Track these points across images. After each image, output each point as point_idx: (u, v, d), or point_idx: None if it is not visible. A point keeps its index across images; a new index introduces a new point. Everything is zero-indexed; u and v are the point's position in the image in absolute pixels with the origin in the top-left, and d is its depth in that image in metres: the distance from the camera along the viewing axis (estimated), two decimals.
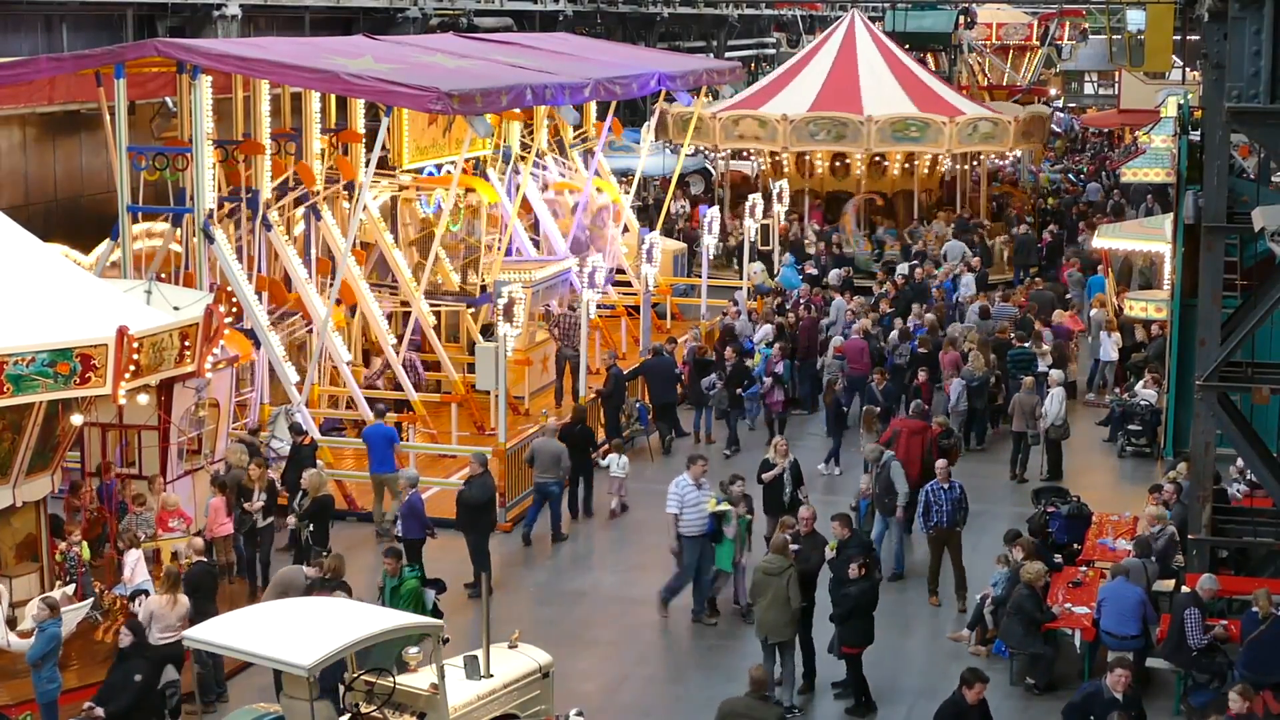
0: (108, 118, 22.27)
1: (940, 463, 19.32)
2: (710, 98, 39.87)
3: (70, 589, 16.54)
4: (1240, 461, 19.58)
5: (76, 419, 16.82)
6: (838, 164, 38.96)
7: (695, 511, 18.05)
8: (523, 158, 30.76)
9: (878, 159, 38.67)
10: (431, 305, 26.11)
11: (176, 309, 17.21)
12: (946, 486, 18.72)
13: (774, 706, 13.58)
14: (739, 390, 24.98)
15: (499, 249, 27.92)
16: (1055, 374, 24.51)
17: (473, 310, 26.93)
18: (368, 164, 24.07)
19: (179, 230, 22.83)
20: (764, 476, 19.45)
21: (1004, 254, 37.28)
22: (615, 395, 24.42)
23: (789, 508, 19.05)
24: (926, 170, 39.47)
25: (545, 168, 32.71)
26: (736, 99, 40.45)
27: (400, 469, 20.71)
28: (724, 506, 18.07)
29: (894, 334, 27.12)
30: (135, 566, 16.73)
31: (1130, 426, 24.85)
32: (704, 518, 18.07)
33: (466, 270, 28.15)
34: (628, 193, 34.39)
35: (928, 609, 18.62)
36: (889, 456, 19.68)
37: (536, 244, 31.22)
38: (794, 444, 25.63)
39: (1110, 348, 28.01)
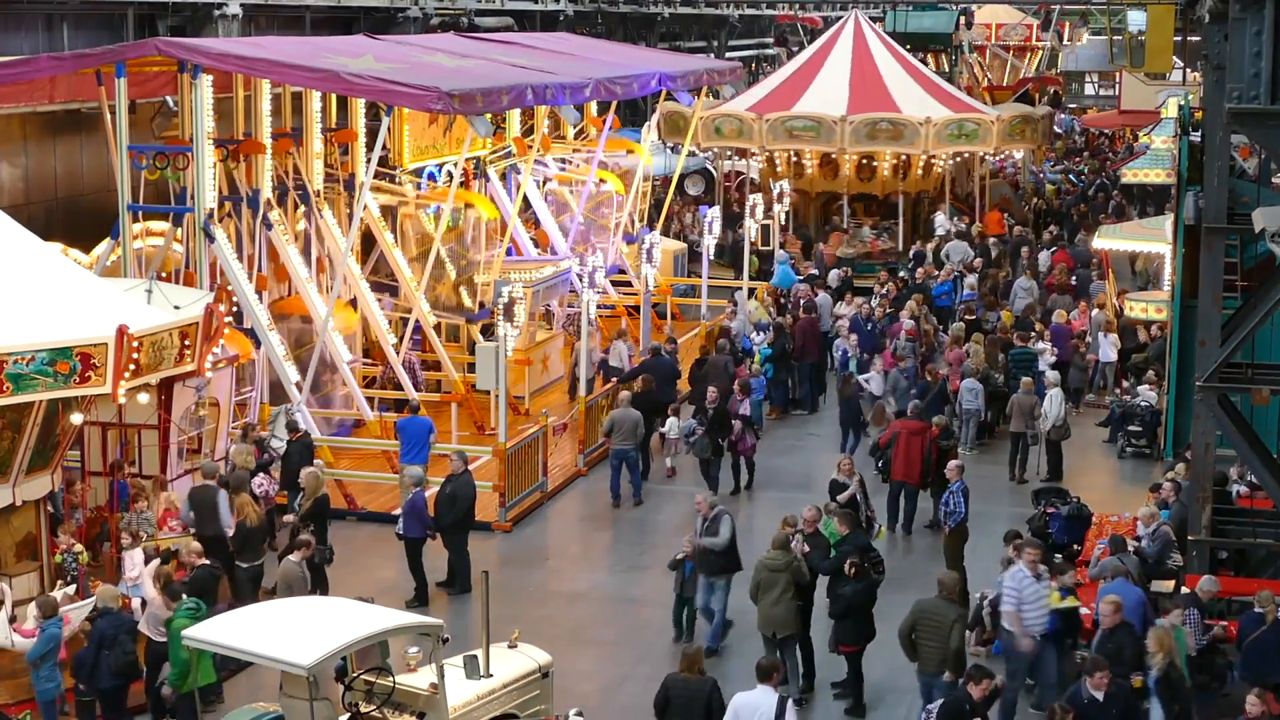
0: (108, 117, 22.27)
1: (953, 463, 19.53)
2: (711, 98, 39.86)
3: (71, 589, 16.54)
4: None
5: (76, 418, 16.83)
6: (826, 164, 38.99)
7: (1035, 608, 15.41)
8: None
9: (827, 159, 38.66)
10: (436, 316, 26.09)
11: (177, 308, 17.22)
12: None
13: (956, 607, 14.79)
14: (721, 439, 22.69)
15: (496, 264, 27.63)
16: (1052, 375, 24.52)
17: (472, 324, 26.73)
18: (368, 163, 24.10)
19: (179, 229, 22.87)
20: (839, 498, 19.18)
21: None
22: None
23: (864, 527, 19.07)
24: (920, 172, 39.36)
25: (546, 165, 32.72)
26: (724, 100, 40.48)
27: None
28: (1069, 601, 15.62)
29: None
30: (137, 564, 16.74)
31: (1130, 427, 24.85)
32: (1045, 615, 15.49)
33: (460, 286, 27.71)
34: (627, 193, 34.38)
35: None
36: (720, 510, 17.52)
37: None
38: (795, 445, 25.80)
39: (1109, 349, 28.02)
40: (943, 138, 37.31)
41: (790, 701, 13.36)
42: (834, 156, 38.21)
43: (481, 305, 26.67)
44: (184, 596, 15.06)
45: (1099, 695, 13.39)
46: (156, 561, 16.61)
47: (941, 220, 37.96)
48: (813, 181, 39.33)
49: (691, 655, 13.86)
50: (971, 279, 32.05)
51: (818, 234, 38.26)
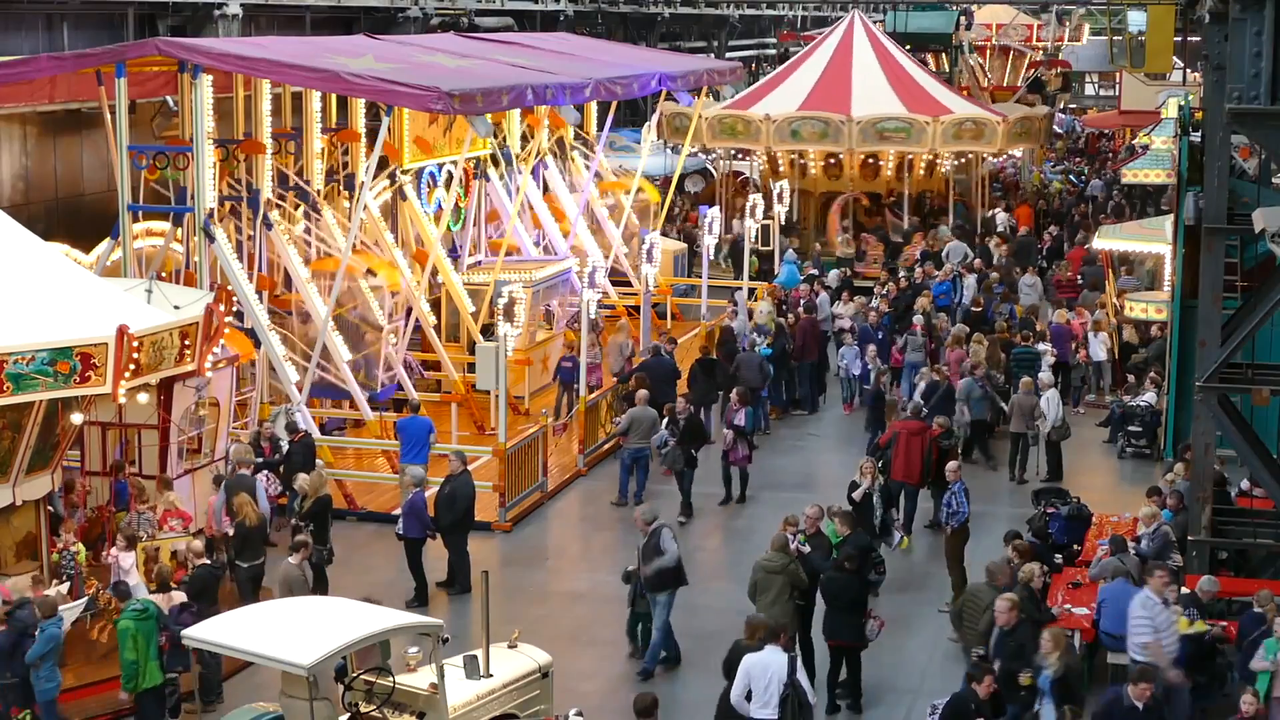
0: (108, 117, 22.27)
1: (952, 464, 19.49)
2: (711, 98, 39.89)
3: (65, 588, 16.55)
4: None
5: (76, 418, 16.83)
6: (831, 164, 39.17)
7: (1165, 635, 14.63)
8: (523, 158, 30.81)
9: (870, 159, 38.88)
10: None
11: (177, 308, 17.23)
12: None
13: (993, 592, 15.13)
14: (694, 449, 22.01)
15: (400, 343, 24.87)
16: (1046, 376, 24.49)
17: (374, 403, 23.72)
18: (368, 164, 24.10)
19: (179, 229, 22.87)
20: (853, 495, 19.16)
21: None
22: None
23: (880, 531, 19.09)
24: (923, 171, 39.60)
25: (546, 167, 32.73)
26: (732, 100, 40.51)
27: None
28: (1199, 626, 14.98)
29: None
30: (129, 566, 16.78)
31: (1130, 428, 24.84)
32: (1175, 643, 14.75)
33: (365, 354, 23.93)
34: (628, 193, 34.41)
35: (928, 609, 18.59)
36: (660, 524, 16.79)
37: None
38: (795, 445, 25.81)
39: (1099, 348, 27.98)
40: (1011, 136, 38.32)
41: (799, 660, 13.76)
42: (839, 156, 38.42)
43: (384, 384, 24.31)
44: (132, 597, 15.21)
45: (1139, 704, 13.24)
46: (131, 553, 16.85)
47: (1002, 218, 39.19)
48: (816, 182, 39.46)
49: (755, 624, 14.31)
50: (971, 279, 32.07)
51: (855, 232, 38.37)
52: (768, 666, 13.56)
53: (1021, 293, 31.99)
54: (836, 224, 38.38)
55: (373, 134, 25.27)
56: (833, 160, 39.03)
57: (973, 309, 29.42)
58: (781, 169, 39.37)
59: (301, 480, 18.81)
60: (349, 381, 23.34)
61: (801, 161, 39.32)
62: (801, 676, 13.55)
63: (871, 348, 26.46)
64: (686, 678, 16.73)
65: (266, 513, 18.55)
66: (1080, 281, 33.36)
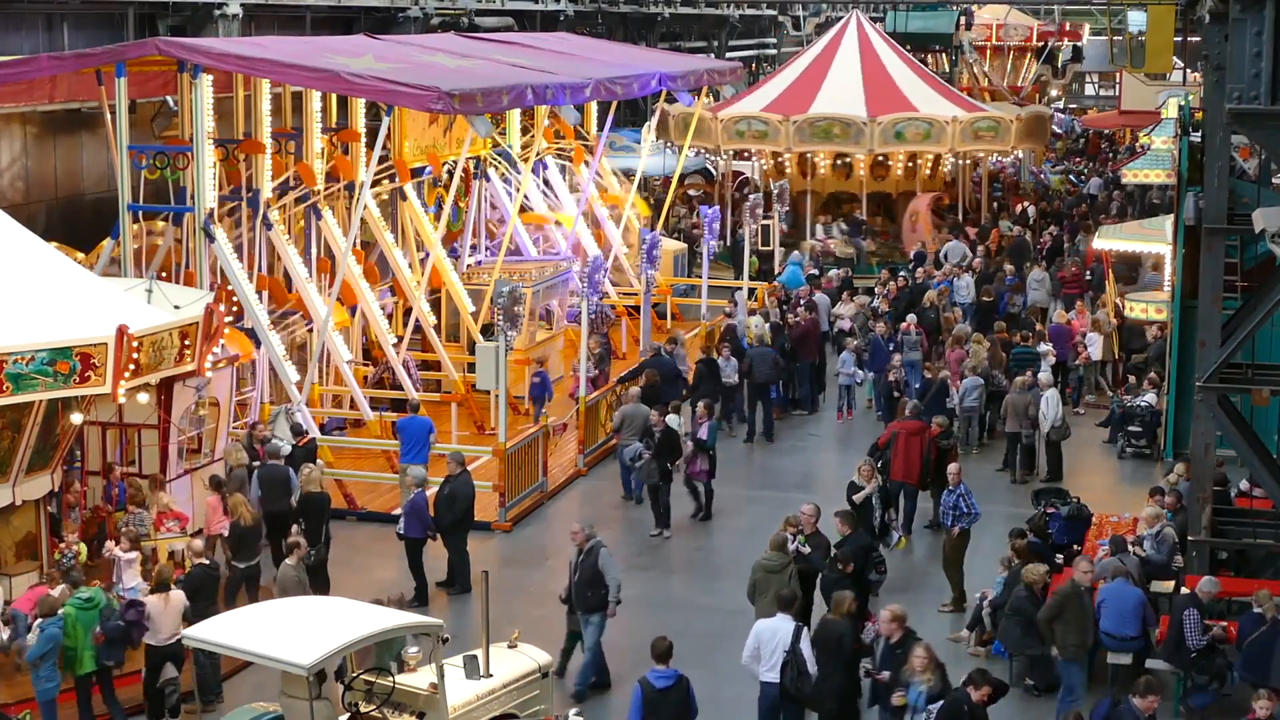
0: (109, 116, 22.28)
1: (953, 466, 19.44)
2: (711, 98, 39.87)
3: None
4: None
5: (76, 418, 16.83)
6: (839, 164, 39.26)
7: None
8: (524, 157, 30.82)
9: (881, 159, 38.99)
10: None
11: (177, 308, 17.22)
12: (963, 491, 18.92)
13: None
14: (670, 464, 21.37)
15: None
16: (1044, 376, 24.48)
17: None
18: (369, 163, 24.11)
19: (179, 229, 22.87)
20: (855, 498, 19.11)
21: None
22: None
23: (880, 532, 19.05)
24: (929, 171, 39.71)
25: (546, 167, 32.73)
26: (763, 106, 40.54)
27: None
28: None
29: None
30: (128, 567, 16.79)
31: (1130, 428, 24.84)
32: None
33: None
34: (628, 193, 34.39)
35: (926, 611, 18.56)
36: (597, 542, 16.39)
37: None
38: (795, 445, 25.80)
39: (1095, 349, 27.96)
40: (960, 136, 38.84)
41: (805, 629, 14.32)
42: (848, 157, 38.63)
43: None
44: (81, 587, 15.30)
45: (1146, 717, 13.21)
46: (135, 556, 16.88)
47: (1032, 211, 40.97)
48: (824, 182, 39.47)
49: (839, 600, 14.89)
50: (966, 278, 32.06)
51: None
52: (776, 632, 14.33)
53: (1030, 289, 32.18)
54: (929, 223, 38.27)
55: (373, 134, 25.28)
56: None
57: (984, 299, 29.69)
58: (822, 172, 39.41)
59: (304, 473, 18.83)
60: (349, 381, 23.36)
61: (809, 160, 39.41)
62: (805, 647, 14.12)
63: (897, 357, 26.24)
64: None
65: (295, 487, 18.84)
66: (1089, 278, 33.40)
